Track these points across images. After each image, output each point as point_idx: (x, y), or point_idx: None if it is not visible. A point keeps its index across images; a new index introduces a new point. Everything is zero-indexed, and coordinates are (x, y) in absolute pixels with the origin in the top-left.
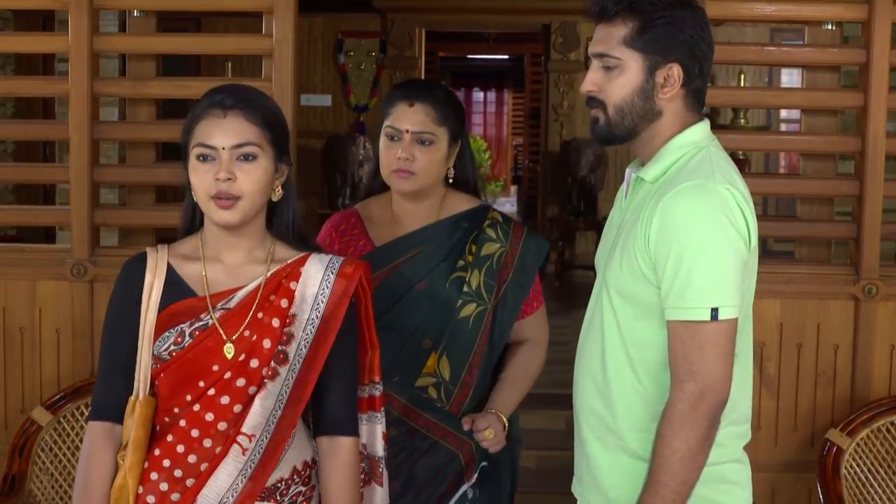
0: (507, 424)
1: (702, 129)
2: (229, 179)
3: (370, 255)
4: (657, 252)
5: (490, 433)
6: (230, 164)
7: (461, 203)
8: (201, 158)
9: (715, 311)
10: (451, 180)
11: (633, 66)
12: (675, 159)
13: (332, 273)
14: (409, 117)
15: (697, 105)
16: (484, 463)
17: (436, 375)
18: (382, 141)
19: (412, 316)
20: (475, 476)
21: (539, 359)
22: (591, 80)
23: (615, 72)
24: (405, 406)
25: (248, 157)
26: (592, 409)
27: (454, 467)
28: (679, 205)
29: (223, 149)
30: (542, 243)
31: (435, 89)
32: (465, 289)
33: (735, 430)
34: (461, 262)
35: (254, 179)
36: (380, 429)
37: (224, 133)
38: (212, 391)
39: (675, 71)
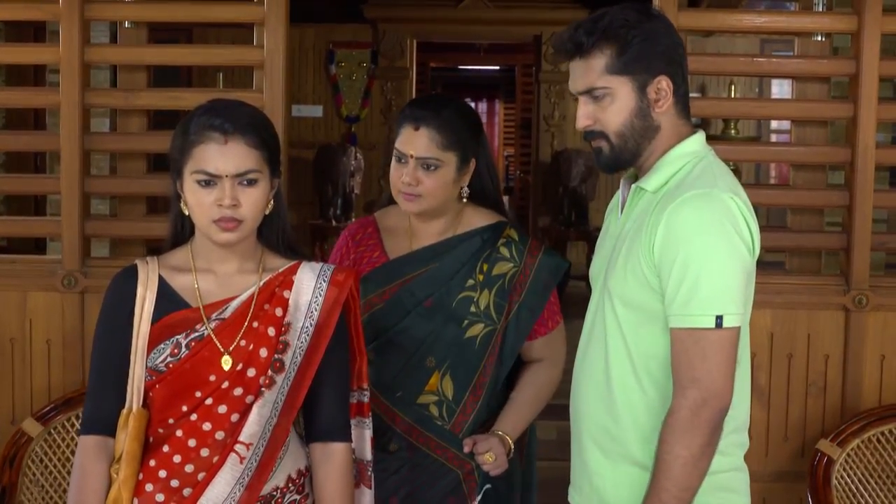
0: (511, 447)
1: (699, 139)
2: (234, 206)
3: (383, 267)
4: (662, 259)
5: (490, 457)
6: (233, 191)
7: (479, 219)
8: (202, 183)
9: (720, 318)
10: (465, 199)
11: (623, 91)
12: (676, 169)
13: (325, 281)
14: (413, 142)
15: (686, 110)
16: (488, 486)
17: (438, 394)
18: (392, 160)
19: (417, 333)
20: (478, 499)
21: (553, 379)
22: (585, 115)
23: (606, 100)
24: (407, 423)
25: (250, 182)
26: (595, 420)
27: (455, 487)
28: (685, 213)
29: (226, 176)
30: (559, 262)
31: (444, 110)
32: (473, 308)
33: (736, 438)
34: (471, 282)
35: (256, 202)
36: (368, 434)
37: (227, 161)
38: (209, 401)
39: (665, 83)
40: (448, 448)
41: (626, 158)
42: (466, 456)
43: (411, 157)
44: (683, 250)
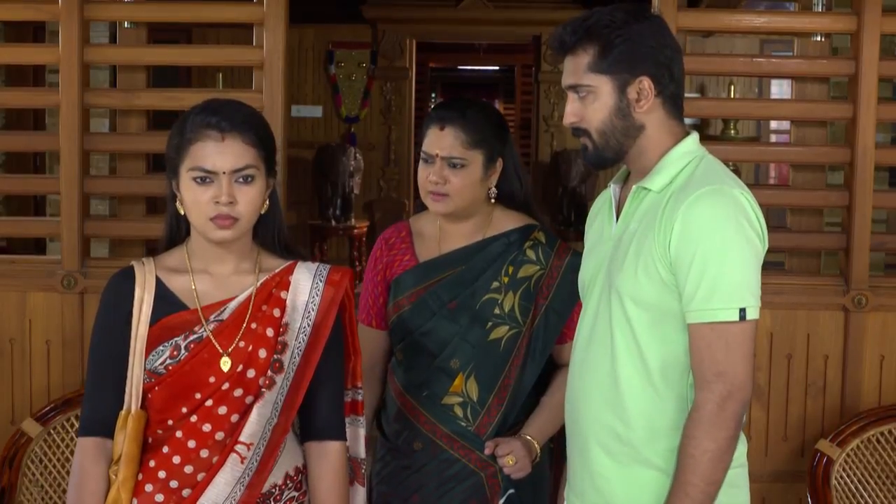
0: (538, 451)
1: (695, 140)
2: (231, 203)
3: (413, 270)
4: (679, 256)
5: (511, 460)
6: (230, 188)
7: (508, 221)
8: (199, 180)
9: (743, 311)
10: (493, 200)
11: (604, 90)
12: (679, 168)
13: (321, 281)
14: (439, 141)
15: (677, 110)
16: (511, 490)
17: (462, 395)
18: (420, 163)
19: (442, 334)
20: (501, 502)
21: None
22: (571, 112)
23: (589, 98)
24: (431, 422)
25: (246, 179)
26: (601, 423)
27: (478, 489)
28: (700, 209)
29: (223, 173)
30: None
31: (468, 110)
32: (497, 311)
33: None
34: (496, 284)
35: (252, 200)
36: (362, 432)
37: (224, 157)
38: (209, 402)
39: (646, 84)
40: (471, 450)
41: (610, 156)
42: (489, 458)
43: (437, 156)
44: (702, 246)
